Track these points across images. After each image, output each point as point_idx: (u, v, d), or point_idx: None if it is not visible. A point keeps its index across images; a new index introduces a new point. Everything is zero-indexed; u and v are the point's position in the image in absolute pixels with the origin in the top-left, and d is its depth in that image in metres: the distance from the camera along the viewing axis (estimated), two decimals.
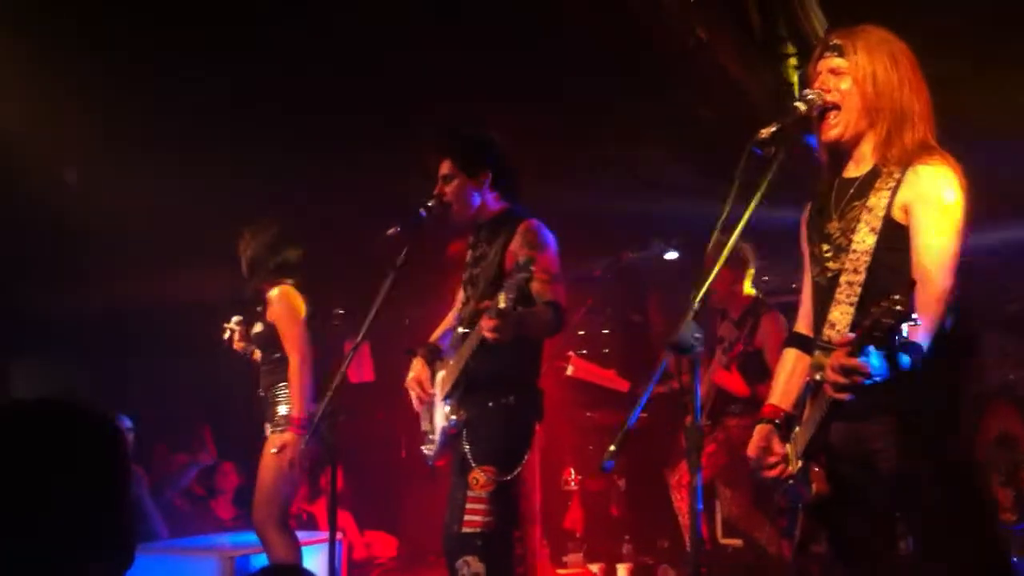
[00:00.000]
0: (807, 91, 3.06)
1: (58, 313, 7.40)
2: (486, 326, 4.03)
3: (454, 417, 4.32)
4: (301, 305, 5.53)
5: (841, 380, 2.64)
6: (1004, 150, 5.93)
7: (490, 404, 4.30)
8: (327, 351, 5.72)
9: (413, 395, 4.51)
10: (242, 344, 5.76)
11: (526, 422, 4.38)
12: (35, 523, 1.74)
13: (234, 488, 8.00)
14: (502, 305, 3.91)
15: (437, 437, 4.43)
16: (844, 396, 2.67)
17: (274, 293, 5.53)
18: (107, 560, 1.80)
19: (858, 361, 2.57)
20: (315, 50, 5.93)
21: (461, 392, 4.35)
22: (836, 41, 3.09)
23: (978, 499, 3.07)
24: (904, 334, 2.53)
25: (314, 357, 5.46)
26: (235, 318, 5.79)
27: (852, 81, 3.04)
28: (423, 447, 4.53)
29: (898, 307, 2.49)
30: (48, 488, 1.76)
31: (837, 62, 3.07)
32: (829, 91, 3.06)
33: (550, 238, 4.42)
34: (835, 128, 3.07)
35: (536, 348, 4.43)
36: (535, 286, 4.25)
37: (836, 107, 3.06)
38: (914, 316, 2.49)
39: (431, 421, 4.49)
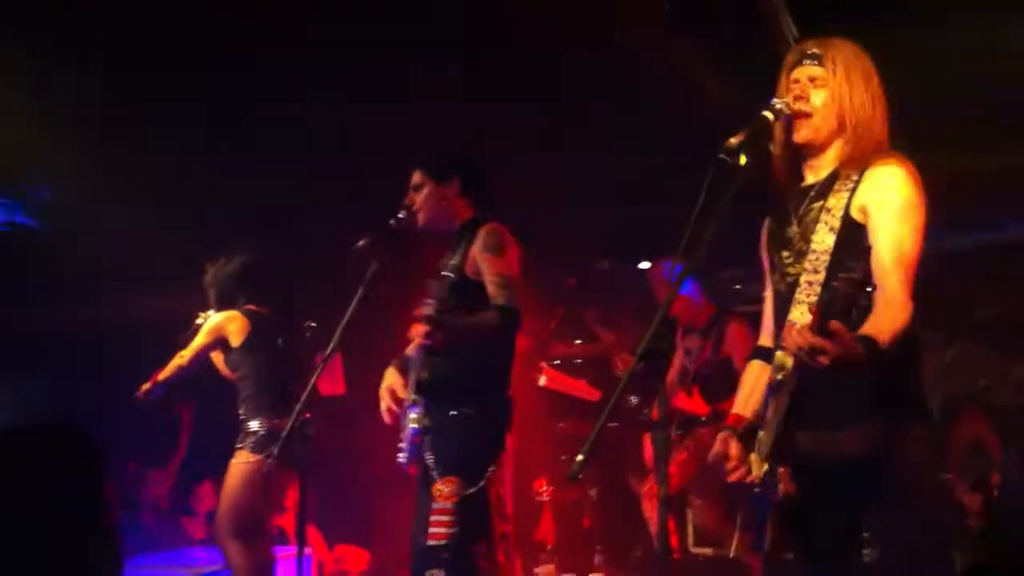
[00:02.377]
0: (775, 100, 3.07)
1: (30, 331, 7.33)
2: (415, 332, 4.04)
3: (416, 426, 4.30)
4: (234, 330, 5.67)
5: (804, 359, 2.61)
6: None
7: (452, 413, 4.28)
8: (298, 364, 5.72)
9: (383, 405, 4.48)
10: None
11: (490, 432, 4.35)
12: (28, 547, 1.71)
13: (208, 511, 7.96)
14: (426, 311, 3.92)
15: (406, 445, 4.41)
16: (819, 363, 2.62)
17: (215, 316, 5.71)
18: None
19: (821, 339, 2.56)
20: (289, 66, 5.92)
21: (424, 400, 4.33)
22: (815, 50, 3.11)
23: (937, 506, 3.11)
24: (864, 304, 2.54)
25: (273, 375, 5.66)
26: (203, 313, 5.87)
27: (829, 94, 3.06)
28: (399, 455, 4.51)
29: (854, 275, 2.52)
30: (39, 512, 1.74)
31: (815, 71, 3.09)
32: (806, 99, 3.07)
33: (510, 242, 4.41)
34: (807, 131, 3.09)
35: (501, 356, 4.40)
36: (490, 289, 4.25)
37: (808, 116, 3.08)
38: (872, 285, 2.52)
39: (404, 428, 4.47)
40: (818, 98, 3.07)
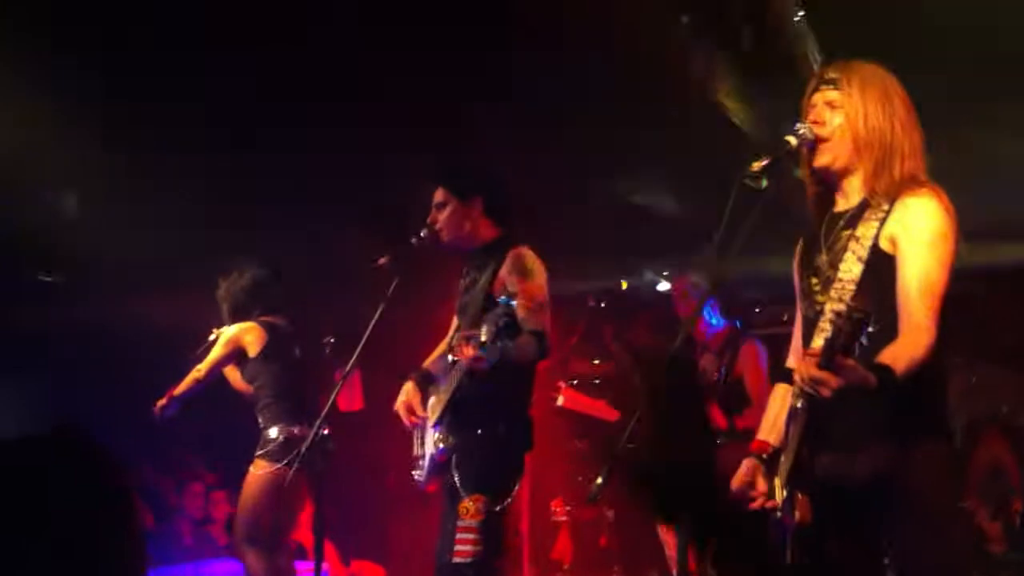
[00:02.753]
0: (799, 125, 3.08)
1: (43, 335, 7.37)
2: (467, 355, 4.04)
3: (442, 445, 4.31)
4: (251, 340, 5.72)
5: (807, 390, 2.65)
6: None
7: (479, 432, 4.29)
8: (315, 374, 5.76)
9: (404, 419, 4.50)
10: None
11: (516, 451, 4.37)
12: (50, 559, 1.71)
13: (226, 516, 8.00)
14: (483, 338, 3.92)
15: (426, 463, 4.42)
16: (822, 395, 2.64)
17: (231, 328, 5.78)
18: None
19: (823, 372, 2.57)
20: (304, 72, 5.94)
21: (450, 419, 4.34)
22: (832, 75, 3.11)
23: (958, 531, 3.09)
24: (864, 343, 2.54)
25: (292, 384, 5.70)
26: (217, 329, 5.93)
27: (845, 116, 3.06)
28: (413, 471, 4.52)
29: (855, 314, 2.52)
30: (59, 524, 1.73)
31: (832, 95, 3.09)
32: (823, 124, 3.07)
33: (539, 266, 4.42)
34: (825, 156, 3.08)
35: (527, 377, 4.42)
36: (520, 313, 4.26)
37: (825, 140, 3.08)
38: (870, 322, 2.51)
39: (422, 446, 4.48)
40: (834, 122, 3.07)
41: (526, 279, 4.34)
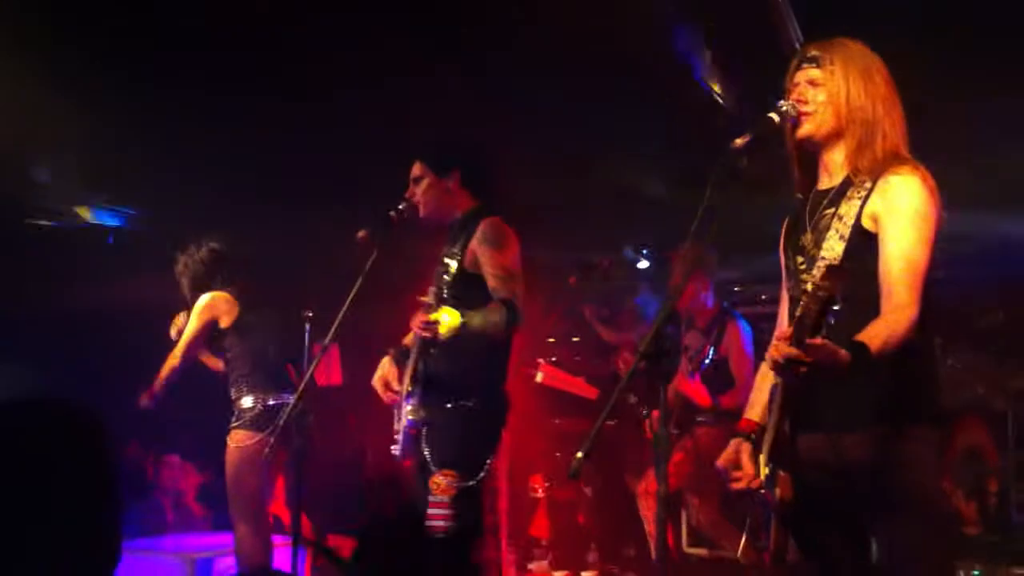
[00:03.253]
0: (781, 102, 3.07)
1: (25, 313, 7.33)
2: (416, 323, 4.03)
3: (411, 417, 4.30)
4: (224, 311, 5.68)
5: (780, 370, 2.65)
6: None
7: (448, 406, 4.28)
8: (288, 350, 5.74)
9: (380, 394, 4.49)
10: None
11: (488, 426, 4.34)
12: (30, 525, 1.71)
13: (196, 486, 7.98)
14: (430, 300, 3.91)
15: (401, 437, 4.41)
16: (797, 373, 2.64)
17: (201, 299, 5.71)
18: (98, 560, 1.79)
19: (795, 350, 2.57)
20: (295, 58, 5.92)
21: (420, 392, 4.32)
22: (814, 53, 3.11)
23: (943, 513, 3.10)
24: (831, 322, 2.55)
25: (266, 354, 5.67)
26: (181, 314, 5.89)
27: (827, 94, 3.06)
28: (392, 447, 4.51)
29: (820, 292, 2.52)
30: (42, 490, 1.74)
31: (814, 73, 3.09)
32: (806, 102, 3.07)
33: (510, 235, 4.39)
34: (807, 126, 3.08)
35: (500, 351, 4.39)
36: (490, 283, 4.25)
37: (808, 115, 3.08)
38: (836, 301, 2.51)
39: (399, 420, 4.47)
40: (817, 99, 3.07)
41: (495, 249, 4.32)
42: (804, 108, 3.07)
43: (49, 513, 1.73)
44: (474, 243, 4.35)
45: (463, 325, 4.06)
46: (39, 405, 1.80)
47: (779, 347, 2.62)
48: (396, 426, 4.48)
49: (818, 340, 2.57)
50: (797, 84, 3.11)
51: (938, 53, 4.70)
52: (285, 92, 6.19)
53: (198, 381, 5.93)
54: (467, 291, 4.30)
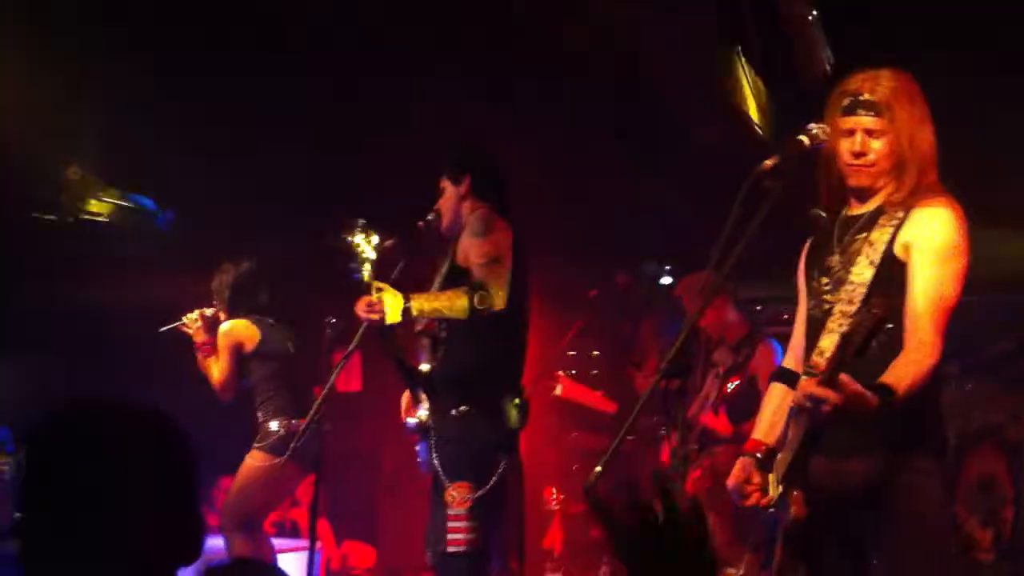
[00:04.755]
0: (811, 125, 3.06)
1: (53, 309, 7.38)
2: (360, 307, 4.04)
3: (411, 420, 4.29)
4: (246, 336, 5.77)
5: (807, 406, 2.67)
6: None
7: (452, 412, 4.26)
8: (310, 370, 5.78)
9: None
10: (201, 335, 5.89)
11: (493, 428, 4.28)
12: (124, 518, 1.76)
13: None
14: (371, 282, 3.92)
15: (418, 449, 4.40)
16: (822, 412, 2.66)
17: (221, 328, 5.80)
18: (186, 555, 1.84)
19: (824, 390, 2.59)
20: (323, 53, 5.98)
21: (421, 396, 4.32)
22: (867, 97, 3.05)
23: (945, 543, 3.12)
24: (884, 340, 2.57)
25: (290, 377, 5.80)
26: (195, 312, 5.92)
27: (886, 143, 3.03)
28: (418, 459, 4.49)
29: (876, 310, 2.53)
30: (133, 483, 1.78)
31: (870, 123, 3.04)
32: (865, 154, 3.03)
33: (499, 225, 4.36)
34: (865, 178, 3.07)
35: (505, 352, 4.35)
36: (473, 272, 4.22)
37: (870, 166, 3.05)
38: (891, 323, 2.53)
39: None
40: (878, 149, 3.04)
41: (480, 237, 4.31)
42: (864, 160, 3.04)
43: (143, 506, 1.78)
44: (464, 236, 4.35)
45: (407, 309, 4.04)
46: (126, 405, 1.85)
47: (809, 384, 2.64)
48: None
49: (851, 381, 2.59)
50: (852, 131, 3.05)
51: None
52: (309, 98, 6.27)
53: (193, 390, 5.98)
54: (454, 286, 4.28)
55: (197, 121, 6.35)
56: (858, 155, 3.05)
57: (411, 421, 4.31)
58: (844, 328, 2.88)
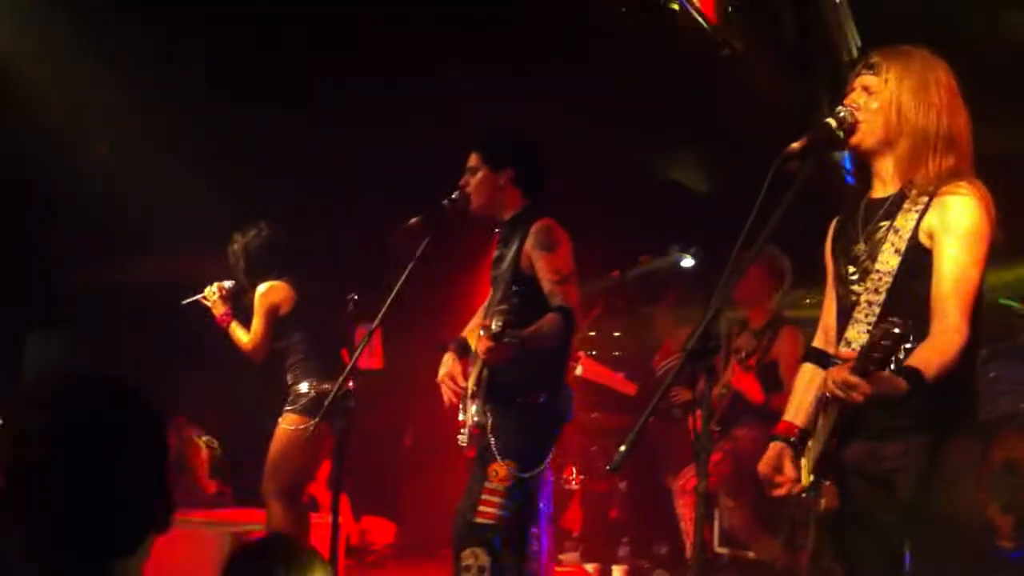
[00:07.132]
0: (840, 107, 3.07)
1: (80, 286, 7.43)
2: (480, 349, 4.06)
3: (477, 418, 4.32)
4: (282, 299, 5.80)
5: (839, 394, 2.66)
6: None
7: (518, 400, 4.31)
8: (341, 332, 5.80)
9: (445, 391, 4.49)
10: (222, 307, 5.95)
11: (553, 421, 4.40)
12: (104, 489, 1.82)
13: (208, 462, 8.02)
14: (494, 329, 3.91)
15: (467, 431, 4.43)
16: (854, 399, 2.66)
17: (259, 290, 5.82)
18: (157, 524, 1.90)
19: (857, 378, 2.59)
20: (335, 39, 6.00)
21: (485, 391, 4.34)
22: (874, 59, 3.10)
23: (978, 531, 3.12)
24: (902, 357, 2.56)
25: (322, 341, 5.78)
26: (214, 285, 5.98)
27: (878, 102, 3.05)
28: (458, 435, 4.52)
29: (896, 330, 2.52)
30: (115, 456, 1.84)
31: (869, 80, 3.08)
32: (858, 108, 3.06)
33: (563, 237, 4.40)
34: (855, 136, 3.08)
35: (561, 350, 4.41)
36: (545, 287, 4.26)
37: (859, 123, 3.07)
38: (911, 339, 2.52)
39: (464, 413, 4.48)
40: (870, 106, 3.06)
41: (549, 252, 4.33)
42: (856, 115, 3.06)
43: (121, 478, 1.83)
44: (528, 246, 4.37)
45: (521, 347, 4.07)
46: (110, 380, 1.89)
47: (841, 372, 2.63)
48: (462, 417, 4.49)
49: (884, 373, 2.58)
50: (854, 89, 3.11)
51: None
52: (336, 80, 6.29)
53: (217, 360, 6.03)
54: (525, 293, 4.34)
55: (229, 83, 6.38)
56: (851, 107, 3.07)
57: (476, 419, 4.34)
58: (870, 319, 2.92)
